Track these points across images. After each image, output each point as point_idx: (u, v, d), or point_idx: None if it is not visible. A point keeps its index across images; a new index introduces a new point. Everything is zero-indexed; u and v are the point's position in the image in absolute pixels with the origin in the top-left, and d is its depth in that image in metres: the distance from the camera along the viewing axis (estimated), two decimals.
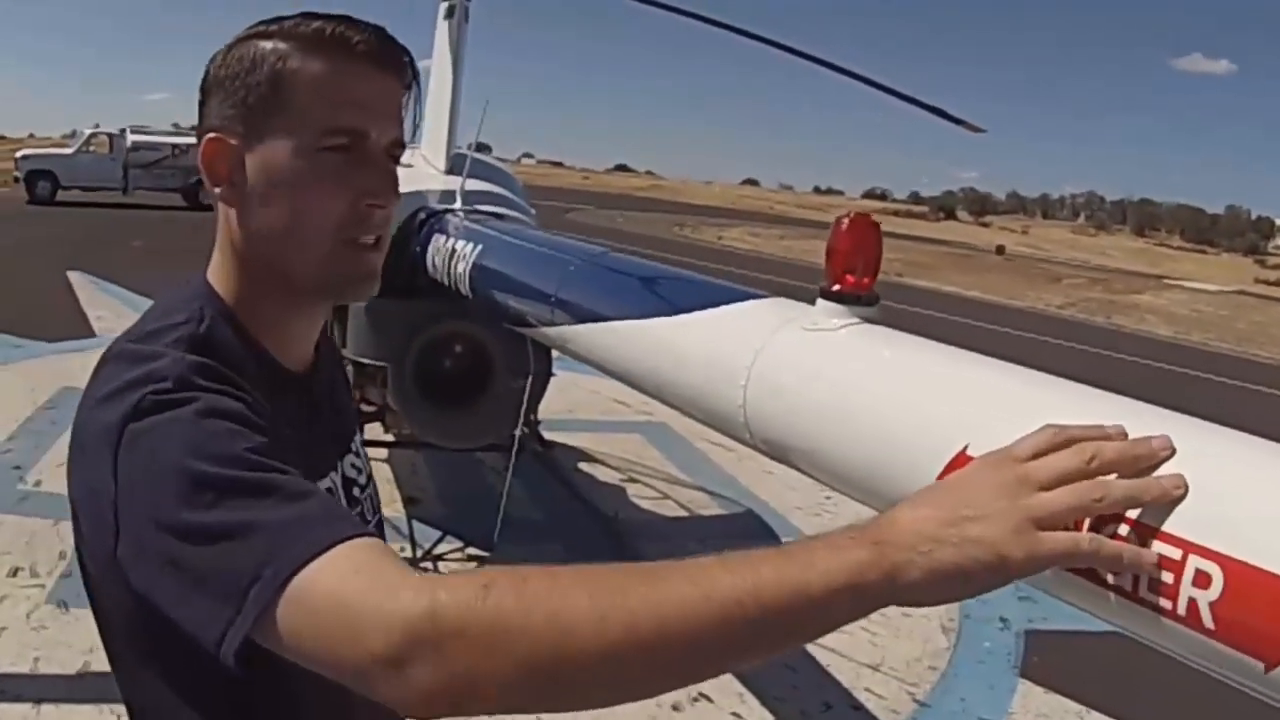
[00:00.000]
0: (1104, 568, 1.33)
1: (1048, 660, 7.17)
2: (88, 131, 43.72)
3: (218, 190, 1.72)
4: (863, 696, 6.50)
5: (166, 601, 1.40)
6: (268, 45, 1.68)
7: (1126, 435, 1.36)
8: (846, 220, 2.20)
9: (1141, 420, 1.42)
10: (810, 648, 6.76)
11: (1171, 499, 1.29)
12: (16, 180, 41.70)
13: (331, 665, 1.30)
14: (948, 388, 1.91)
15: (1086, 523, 1.33)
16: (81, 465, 1.55)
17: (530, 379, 7.30)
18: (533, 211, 7.98)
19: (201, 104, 1.74)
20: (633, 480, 10.22)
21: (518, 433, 7.61)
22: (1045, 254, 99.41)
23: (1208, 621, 1.26)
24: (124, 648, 1.68)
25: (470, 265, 5.44)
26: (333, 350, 2.13)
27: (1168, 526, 1.30)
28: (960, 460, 1.64)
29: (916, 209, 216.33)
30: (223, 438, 1.44)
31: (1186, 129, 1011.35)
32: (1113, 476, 1.31)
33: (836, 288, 2.20)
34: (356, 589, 1.28)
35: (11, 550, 7.42)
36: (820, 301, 2.25)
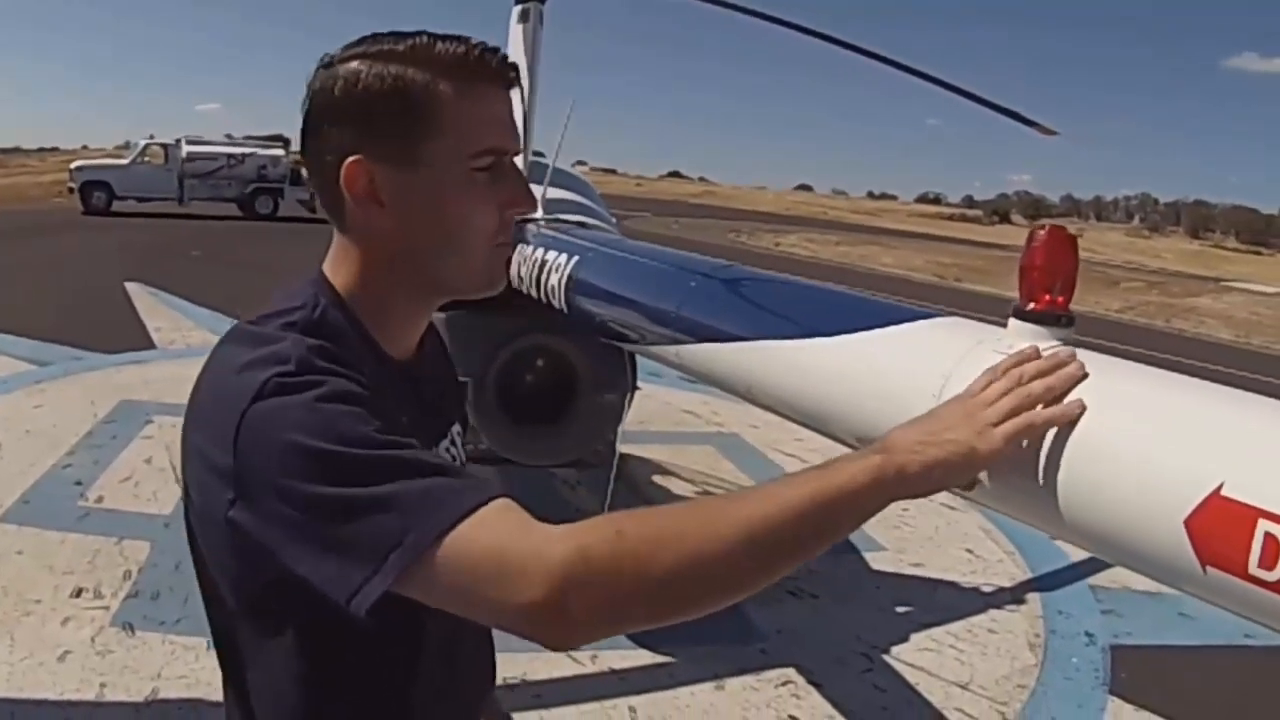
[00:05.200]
0: (1040, 432, 1.80)
1: (1135, 677, 6.95)
2: (143, 142, 44.11)
3: (358, 208, 1.82)
4: (954, 717, 6.32)
5: (297, 563, 1.57)
6: (404, 69, 1.78)
7: (1040, 354, 1.87)
8: (1042, 234, 1.99)
9: None
10: (898, 667, 6.76)
11: (1076, 379, 1.81)
12: (71, 191, 42.02)
13: (486, 612, 1.55)
14: (1185, 419, 1.69)
15: None
16: (200, 435, 1.69)
17: (627, 394, 7.00)
18: (614, 220, 7.75)
19: (321, 119, 1.84)
20: (708, 493, 9.72)
21: (617, 449, 7.34)
22: (1101, 257, 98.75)
23: None
24: (228, 585, 1.79)
25: (565, 278, 5.18)
26: (440, 347, 2.27)
27: None
28: (1214, 501, 1.51)
29: (970, 213, 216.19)
30: (346, 419, 1.58)
31: (1240, 129, 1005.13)
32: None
33: (1032, 307, 1.99)
34: (510, 544, 1.50)
35: (74, 570, 7.22)
36: (1014, 322, 2.03)
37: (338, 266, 1.91)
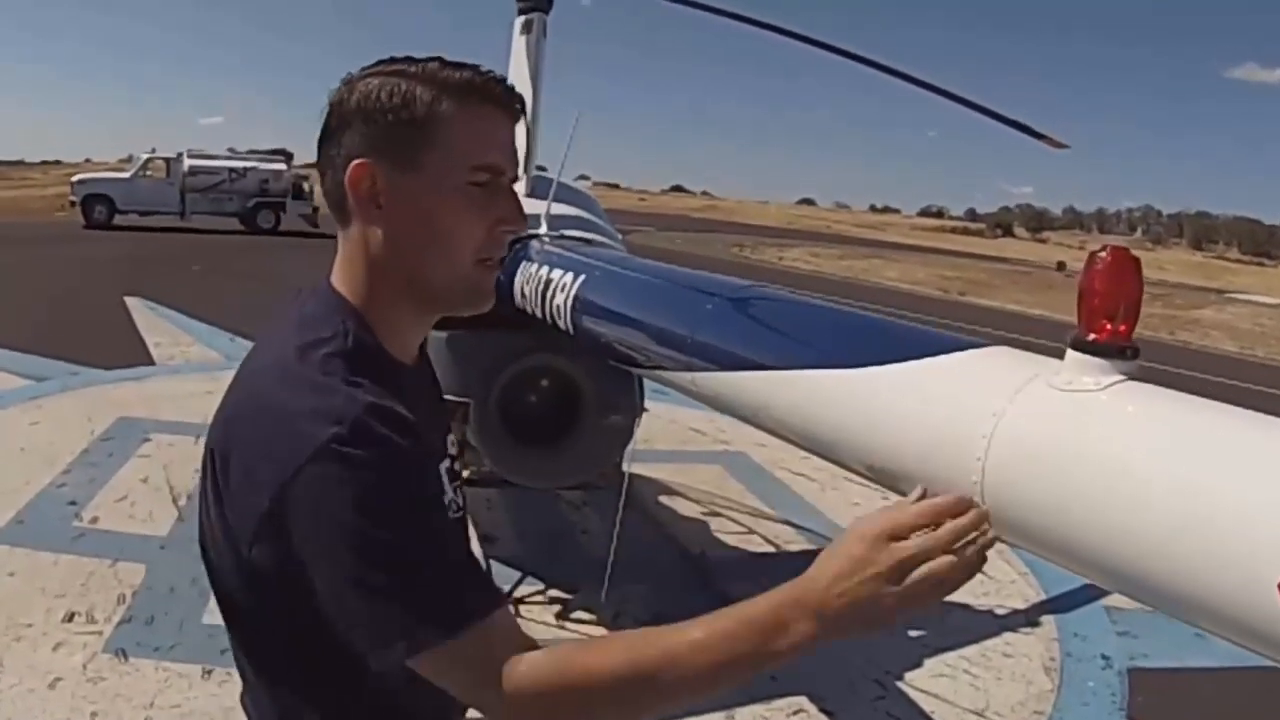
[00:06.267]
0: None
1: (1153, 700, 6.86)
2: (144, 156, 44.13)
3: (361, 212, 1.94)
4: None
5: (324, 605, 1.76)
6: (416, 86, 1.90)
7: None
8: (1104, 256, 1.81)
9: None
10: (912, 694, 6.64)
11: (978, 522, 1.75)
12: (73, 204, 42.07)
13: (459, 698, 1.81)
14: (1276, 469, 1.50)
15: None
16: (246, 461, 1.82)
17: (635, 417, 6.85)
18: (619, 237, 7.55)
19: (337, 128, 1.96)
20: (715, 514, 9.81)
21: (626, 473, 7.21)
22: None
23: None
24: (241, 609, 1.98)
25: (571, 297, 4.99)
26: (428, 355, 2.32)
27: None
28: None
29: (973, 226, 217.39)
30: (390, 495, 1.71)
31: (1242, 140, 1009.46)
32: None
33: (1092, 337, 1.80)
34: (482, 675, 1.71)
35: (66, 593, 7.07)
36: (1071, 354, 1.83)
37: (345, 278, 2.01)
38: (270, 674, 2.03)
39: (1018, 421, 1.80)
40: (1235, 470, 1.51)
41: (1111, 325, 1.77)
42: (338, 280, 2.02)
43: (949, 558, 1.72)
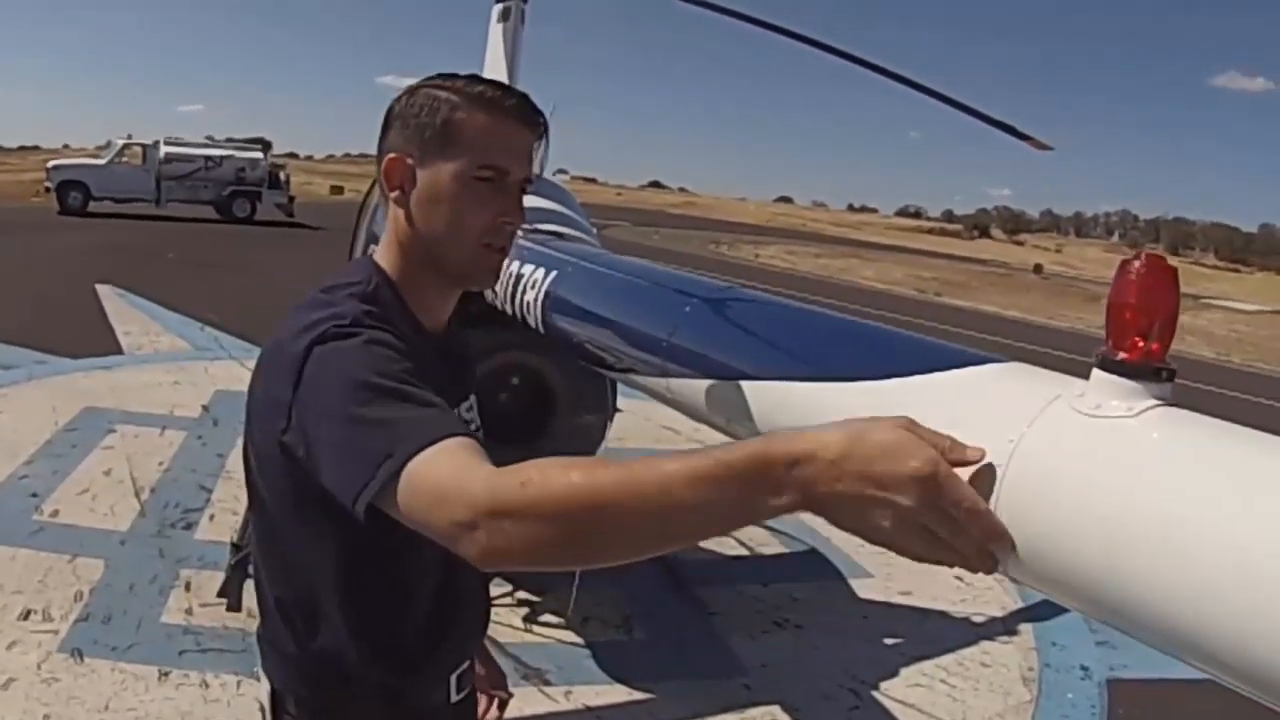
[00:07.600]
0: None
1: (1133, 712, 6.76)
2: (120, 142, 43.97)
3: (394, 195, 2.33)
4: None
5: (323, 470, 1.96)
6: (443, 95, 2.29)
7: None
8: (1137, 265, 1.61)
9: None
10: (887, 703, 6.56)
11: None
12: (48, 190, 42.00)
13: (426, 527, 1.82)
14: None
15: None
16: (268, 382, 2.15)
17: (607, 417, 6.79)
18: (595, 231, 7.32)
19: (385, 129, 2.37)
20: None
21: None
22: (1080, 273, 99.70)
23: None
24: (277, 504, 2.27)
25: (542, 294, 4.83)
26: (463, 331, 2.65)
27: None
28: None
29: (950, 227, 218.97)
30: (381, 358, 2.01)
31: (1221, 147, 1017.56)
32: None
33: (1122, 356, 1.61)
34: (447, 475, 1.78)
35: (23, 589, 6.88)
36: (1098, 374, 1.64)
37: (383, 251, 2.39)
38: (305, 557, 2.30)
39: (1036, 450, 1.61)
40: None
41: (1144, 343, 1.59)
42: (379, 253, 2.40)
43: (963, 533, 1.52)
